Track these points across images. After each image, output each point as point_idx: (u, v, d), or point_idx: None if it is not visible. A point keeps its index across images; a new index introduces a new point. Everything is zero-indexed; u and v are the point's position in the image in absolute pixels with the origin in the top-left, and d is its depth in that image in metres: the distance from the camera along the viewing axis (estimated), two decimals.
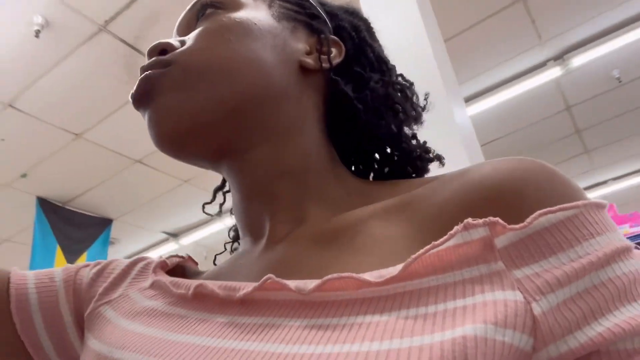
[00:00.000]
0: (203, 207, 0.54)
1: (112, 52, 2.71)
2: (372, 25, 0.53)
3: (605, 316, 0.26)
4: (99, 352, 0.37)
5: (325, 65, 0.45)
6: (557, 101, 3.74)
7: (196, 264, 0.50)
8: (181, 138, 0.40)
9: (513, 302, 0.26)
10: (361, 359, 0.25)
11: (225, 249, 0.54)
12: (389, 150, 0.49)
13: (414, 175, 0.49)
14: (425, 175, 0.49)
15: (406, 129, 0.48)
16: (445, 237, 0.29)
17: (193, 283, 0.37)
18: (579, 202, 0.29)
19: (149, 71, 0.41)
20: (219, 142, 0.41)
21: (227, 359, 0.29)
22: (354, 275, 0.29)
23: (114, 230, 4.44)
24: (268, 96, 0.42)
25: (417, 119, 0.49)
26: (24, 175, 3.69)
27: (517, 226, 0.28)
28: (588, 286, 0.27)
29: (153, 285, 0.42)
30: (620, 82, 3.50)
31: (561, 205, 0.28)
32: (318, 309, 0.30)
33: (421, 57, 1.47)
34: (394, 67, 0.51)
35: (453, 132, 1.42)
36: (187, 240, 4.95)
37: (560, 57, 3.28)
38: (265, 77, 0.42)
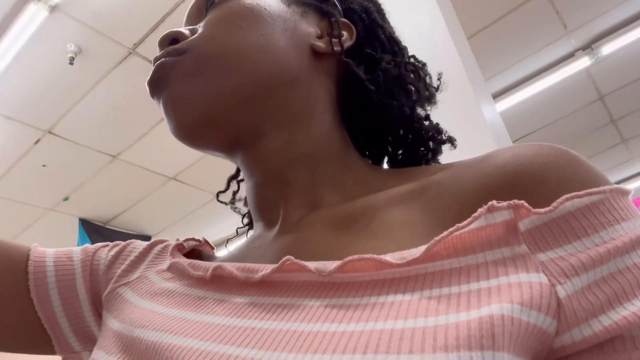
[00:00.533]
0: (217, 195, 0.54)
1: (142, 73, 2.80)
2: (382, 6, 0.52)
3: (630, 301, 0.26)
4: (118, 332, 0.37)
5: (337, 48, 0.45)
6: (589, 91, 3.65)
7: (212, 248, 0.50)
8: (197, 126, 0.40)
9: (538, 285, 0.26)
10: (386, 336, 0.25)
11: (238, 234, 0.54)
12: (401, 132, 0.48)
13: (428, 156, 0.49)
14: (441, 160, 0.49)
15: (419, 110, 0.48)
16: (469, 219, 0.29)
17: (211, 265, 0.37)
18: (605, 188, 0.29)
19: (163, 58, 0.41)
20: (234, 130, 0.41)
21: (247, 337, 0.29)
22: (375, 256, 0.29)
23: None
24: (281, 82, 0.42)
25: (431, 99, 0.49)
26: (66, 199, 3.84)
27: (542, 210, 0.28)
28: (613, 271, 0.27)
29: (171, 268, 0.42)
30: None
31: (588, 190, 0.28)
32: (339, 290, 0.30)
33: (445, 55, 1.47)
34: (405, 48, 0.50)
35: (483, 130, 1.41)
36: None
37: (588, 47, 3.20)
38: (277, 62, 0.42)
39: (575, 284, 0.26)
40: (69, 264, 0.45)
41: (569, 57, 3.28)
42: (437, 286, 0.28)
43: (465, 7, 2.58)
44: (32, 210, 3.95)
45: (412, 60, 0.50)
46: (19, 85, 2.81)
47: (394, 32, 0.51)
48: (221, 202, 0.54)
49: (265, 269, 0.33)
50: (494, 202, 0.28)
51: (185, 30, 0.44)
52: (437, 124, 0.49)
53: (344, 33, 0.46)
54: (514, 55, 3.23)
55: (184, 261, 0.41)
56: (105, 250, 0.47)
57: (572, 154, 0.31)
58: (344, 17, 0.48)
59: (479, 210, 0.29)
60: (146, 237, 4.47)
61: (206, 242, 0.49)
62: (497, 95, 3.45)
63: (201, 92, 0.40)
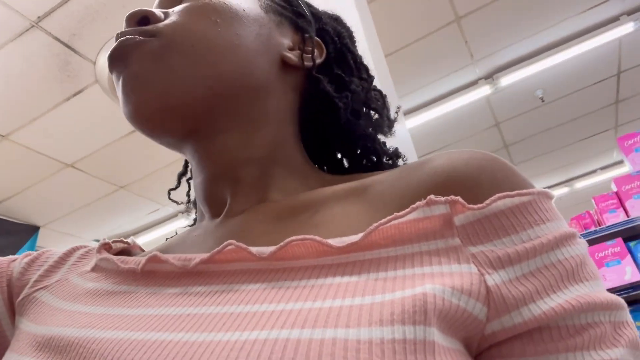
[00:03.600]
0: (169, 193, 0.53)
1: (45, 50, 2.59)
2: (353, 34, 0.54)
3: (556, 293, 0.28)
4: (34, 333, 0.35)
5: (308, 63, 0.46)
6: (488, 117, 3.98)
7: (142, 251, 0.49)
8: (155, 111, 0.39)
9: (468, 274, 0.28)
10: (324, 313, 0.26)
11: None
12: (359, 150, 0.50)
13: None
14: None
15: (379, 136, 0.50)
16: (407, 209, 0.30)
17: (144, 257, 0.36)
18: (534, 190, 0.31)
19: (130, 36, 0.40)
20: (191, 122, 0.41)
21: (181, 323, 0.28)
22: (317, 238, 0.30)
23: (41, 239, 4.20)
24: (247, 85, 0.42)
25: (390, 127, 0.51)
26: None
27: (476, 206, 0.30)
28: (539, 266, 0.29)
29: (96, 268, 0.41)
30: (543, 101, 3.78)
31: (519, 191, 0.30)
32: (277, 273, 0.30)
33: None
34: (373, 77, 0.52)
35: (393, 144, 1.48)
36: None
37: (490, 77, 3.49)
38: (247, 65, 0.42)
39: (502, 275, 0.28)
40: None
41: (473, 84, 3.55)
42: (374, 270, 0.29)
43: (384, 26, 2.71)
44: None
45: (376, 89, 0.52)
46: None
47: (362, 60, 0.53)
48: (173, 200, 0.54)
49: (203, 255, 0.33)
50: (432, 196, 0.30)
51: (157, 11, 0.42)
52: (397, 149, 0.52)
53: (315, 51, 0.47)
54: (425, 77, 3.43)
55: (112, 256, 0.39)
56: (18, 259, 0.46)
57: (502, 161, 0.34)
58: (317, 36, 0.49)
59: (417, 202, 0.30)
60: (33, 227, 4.11)
61: (135, 244, 0.47)
62: (407, 113, 3.63)
63: (165, 77, 0.39)
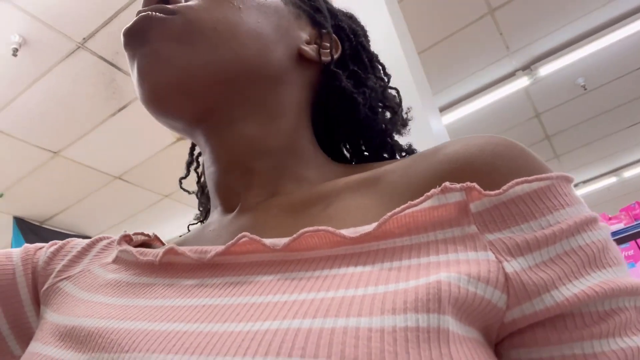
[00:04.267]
0: (180, 182, 0.53)
1: (91, 69, 2.72)
2: (367, 33, 0.54)
3: (578, 279, 0.27)
4: (57, 323, 0.35)
5: (325, 58, 0.46)
6: (527, 109, 3.89)
7: (162, 244, 0.48)
8: (171, 92, 0.39)
9: (486, 261, 0.27)
10: (336, 303, 0.25)
11: (189, 231, 0.52)
12: (374, 144, 0.50)
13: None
14: None
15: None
16: (422, 197, 0.30)
17: (162, 249, 0.36)
18: (552, 174, 0.30)
19: (151, 12, 0.39)
20: (207, 105, 0.40)
21: (197, 314, 0.28)
22: (330, 229, 0.30)
23: None
24: (265, 73, 0.42)
25: (404, 125, 0.51)
26: (0, 195, 3.63)
27: (492, 192, 0.29)
28: (559, 252, 0.28)
29: (116, 260, 0.41)
30: (585, 89, 3.66)
31: (537, 176, 0.29)
32: (291, 265, 0.30)
33: (397, 69, 1.54)
34: (389, 75, 0.52)
35: (430, 141, 1.48)
36: None
37: (527, 67, 3.41)
38: (266, 53, 0.41)
39: (521, 262, 0.27)
40: (8, 263, 0.43)
41: (510, 76, 3.48)
42: (388, 260, 0.28)
43: (417, 23, 2.70)
44: None
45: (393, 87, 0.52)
46: None
47: (378, 58, 0.53)
48: (185, 189, 0.54)
49: (218, 248, 0.33)
50: (447, 183, 0.29)
51: None
52: (410, 145, 0.51)
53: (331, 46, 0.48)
54: (461, 72, 3.38)
55: (132, 248, 0.39)
56: (45, 248, 0.46)
57: (519, 145, 0.33)
58: (333, 33, 0.49)
59: (432, 190, 0.30)
60: (86, 238, 4.29)
61: (156, 237, 0.47)
62: (443, 109, 3.60)
63: (185, 58, 0.38)
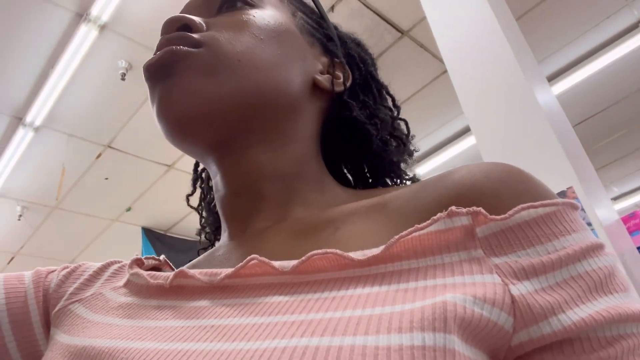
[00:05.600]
0: (187, 198, 0.54)
1: None
2: (376, 62, 0.55)
3: (585, 304, 0.27)
4: (67, 344, 0.36)
5: (338, 88, 0.47)
6: None
7: (173, 269, 0.49)
8: (193, 122, 0.40)
9: (491, 284, 0.27)
10: (344, 322, 0.26)
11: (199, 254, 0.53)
12: (382, 171, 0.51)
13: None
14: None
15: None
16: (428, 221, 0.30)
17: (172, 273, 0.36)
18: (558, 201, 0.31)
19: (176, 46, 0.40)
20: (225, 134, 0.41)
21: (206, 334, 0.29)
22: (338, 252, 0.30)
23: None
24: (283, 103, 0.43)
25: (411, 155, 0.52)
26: (128, 209, 4.01)
27: (498, 217, 0.30)
28: (566, 277, 0.28)
29: (127, 284, 0.42)
30: None
31: (543, 202, 0.30)
32: (300, 287, 0.31)
33: (491, 39, 1.40)
34: (399, 107, 0.53)
35: (538, 115, 1.33)
36: None
37: None
38: (285, 84, 0.43)
39: (527, 286, 0.28)
40: (20, 285, 0.44)
41: (633, 28, 3.06)
42: (395, 282, 0.29)
43: None
44: (98, 222, 4.17)
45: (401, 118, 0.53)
46: (77, 104, 2.97)
47: (387, 88, 0.54)
48: (192, 207, 0.55)
49: (228, 270, 0.34)
50: (453, 207, 0.30)
51: (197, 19, 0.42)
52: (415, 175, 0.53)
53: (342, 75, 0.49)
54: (569, 33, 3.05)
55: (144, 272, 0.40)
56: (57, 271, 0.47)
57: (523, 172, 0.33)
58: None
59: (439, 214, 0.30)
60: None
61: (166, 261, 0.48)
62: (551, 78, 3.28)
63: (209, 90, 0.39)
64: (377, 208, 0.37)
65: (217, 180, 0.45)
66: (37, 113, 2.99)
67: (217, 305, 0.32)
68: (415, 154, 0.53)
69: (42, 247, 4.45)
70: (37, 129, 3.13)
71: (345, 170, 0.54)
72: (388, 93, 0.53)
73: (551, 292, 0.28)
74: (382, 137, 0.48)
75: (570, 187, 1.42)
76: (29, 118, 3.03)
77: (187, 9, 0.47)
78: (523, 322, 0.27)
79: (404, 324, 0.25)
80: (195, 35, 0.41)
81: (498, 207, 0.31)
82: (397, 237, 0.30)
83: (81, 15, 2.51)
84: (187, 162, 3.63)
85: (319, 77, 0.46)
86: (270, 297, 0.31)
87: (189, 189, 0.55)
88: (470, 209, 0.30)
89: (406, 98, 3.39)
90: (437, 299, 0.26)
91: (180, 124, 0.40)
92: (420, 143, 3.25)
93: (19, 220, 3.87)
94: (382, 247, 0.30)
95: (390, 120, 0.50)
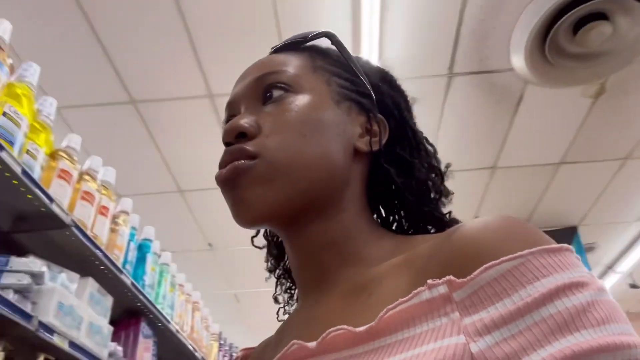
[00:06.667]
0: (252, 240, 0.64)
1: (470, 88, 2.72)
2: (408, 97, 0.58)
3: (543, 347, 0.29)
4: None
5: (376, 147, 0.51)
6: None
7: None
8: (261, 220, 0.48)
9: (454, 345, 0.32)
10: None
11: (278, 317, 0.63)
12: (416, 219, 0.56)
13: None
14: None
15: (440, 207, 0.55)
16: (410, 295, 0.36)
17: None
18: (524, 252, 0.33)
19: (237, 162, 0.47)
20: (286, 222, 0.49)
21: None
22: (348, 328, 0.38)
23: (583, 235, 4.01)
24: (333, 184, 0.49)
25: (447, 196, 0.56)
26: None
27: (465, 280, 0.34)
28: (529, 323, 0.30)
29: None
30: None
31: (503, 258, 0.33)
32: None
33: None
34: (433, 152, 0.56)
35: None
36: None
37: None
38: (333, 167, 0.49)
39: (488, 340, 0.31)
40: None
41: None
42: (392, 355, 0.35)
43: None
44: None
45: (435, 162, 0.56)
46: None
47: (419, 130, 0.57)
48: (256, 246, 0.64)
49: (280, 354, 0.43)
50: (430, 280, 0.36)
51: (249, 125, 0.49)
52: (450, 213, 0.55)
53: (380, 129, 0.53)
54: None
55: None
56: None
57: (520, 222, 0.37)
58: (378, 110, 0.54)
59: (419, 288, 0.36)
60: (571, 228, 4.02)
61: (253, 347, 0.60)
62: None
63: (268, 197, 0.47)
64: (409, 263, 0.43)
65: (287, 251, 0.55)
66: None
67: None
68: None
69: None
70: None
71: (391, 218, 0.58)
72: (420, 138, 0.56)
73: (512, 341, 0.30)
74: (417, 192, 0.52)
75: None
76: None
77: (236, 101, 0.53)
78: None
79: None
80: (250, 148, 0.47)
81: (478, 266, 0.34)
82: (385, 310, 0.36)
83: None
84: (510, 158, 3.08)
85: (359, 144, 0.51)
86: None
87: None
88: (445, 278, 0.35)
89: None
90: None
91: (251, 225, 0.49)
92: None
93: None
94: (377, 319, 0.37)
95: (425, 173, 0.53)
